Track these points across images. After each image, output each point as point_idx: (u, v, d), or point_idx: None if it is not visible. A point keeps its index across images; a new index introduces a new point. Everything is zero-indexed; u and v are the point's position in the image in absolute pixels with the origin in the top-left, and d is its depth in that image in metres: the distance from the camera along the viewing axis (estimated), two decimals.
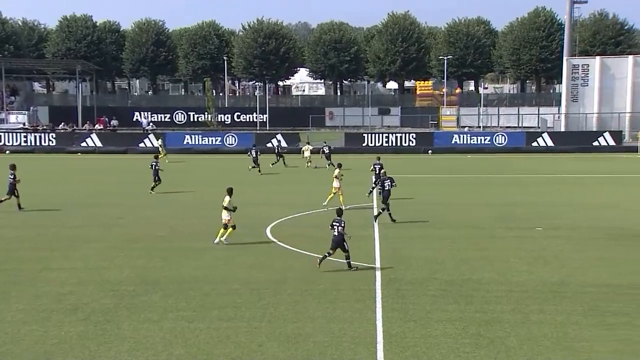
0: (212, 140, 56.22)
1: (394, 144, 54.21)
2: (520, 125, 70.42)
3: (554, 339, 13.66)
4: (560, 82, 69.98)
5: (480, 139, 54.14)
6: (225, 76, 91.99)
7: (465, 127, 70.92)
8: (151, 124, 74.56)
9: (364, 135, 55.95)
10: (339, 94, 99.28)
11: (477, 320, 14.78)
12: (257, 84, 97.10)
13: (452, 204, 29.52)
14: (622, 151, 50.86)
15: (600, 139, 52.15)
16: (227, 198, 21.97)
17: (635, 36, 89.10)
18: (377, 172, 30.40)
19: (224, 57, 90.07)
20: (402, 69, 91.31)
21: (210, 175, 40.84)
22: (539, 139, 53.10)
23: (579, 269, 18.82)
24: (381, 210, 25.10)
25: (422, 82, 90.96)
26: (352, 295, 16.65)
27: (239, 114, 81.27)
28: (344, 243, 18.94)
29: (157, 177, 32.61)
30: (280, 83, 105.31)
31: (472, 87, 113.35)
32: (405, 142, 54.32)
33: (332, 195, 28.46)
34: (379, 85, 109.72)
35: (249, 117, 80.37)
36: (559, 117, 59.85)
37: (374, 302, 16.07)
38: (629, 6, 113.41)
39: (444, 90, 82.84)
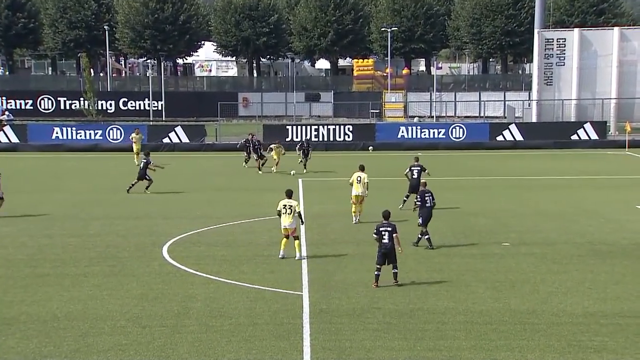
0: (90, 134, 55.21)
1: (325, 139, 54.52)
2: (482, 114, 72.08)
3: None
4: (531, 61, 71.97)
5: (434, 132, 55.11)
6: (107, 51, 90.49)
7: (415, 117, 72.07)
8: (7, 113, 72.57)
9: (287, 127, 56.02)
10: (255, 75, 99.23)
11: None
12: (149, 61, 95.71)
13: (396, 214, 29.88)
14: (606, 146, 52.74)
15: (580, 132, 53.91)
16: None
17: (622, 3, 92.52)
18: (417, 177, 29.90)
19: (105, 27, 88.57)
20: (335, 43, 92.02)
21: (89, 180, 40.09)
22: (505, 132, 54.45)
23: (555, 294, 19.40)
24: (420, 235, 24.45)
25: (361, 60, 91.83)
26: (273, 331, 16.67)
27: (126, 100, 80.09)
28: (395, 253, 19.75)
29: (147, 176, 35.21)
30: (180, 61, 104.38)
31: (423, 68, 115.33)
32: (339, 136, 54.72)
33: (356, 208, 27.94)
34: (307, 64, 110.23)
35: (140, 105, 79.31)
36: (529, 105, 61.55)
37: (300, 340, 16.13)
38: None
39: (389, 71, 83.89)
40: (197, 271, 21.47)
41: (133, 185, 35.13)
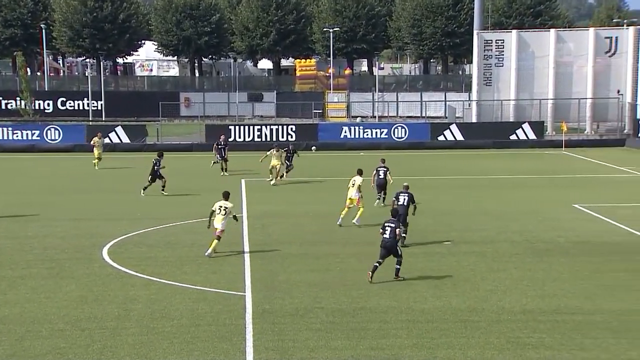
0: (27, 134, 54.20)
1: (268, 139, 54.42)
2: (423, 115, 72.72)
3: None
4: (471, 62, 72.82)
5: (376, 132, 55.42)
6: (44, 50, 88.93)
7: (358, 117, 72.36)
8: None
9: (230, 127, 55.79)
10: (197, 75, 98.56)
11: (373, 359, 15.12)
12: (88, 61, 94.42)
13: (337, 214, 29.99)
14: (544, 146, 53.66)
15: (519, 132, 54.75)
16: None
17: (558, 5, 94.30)
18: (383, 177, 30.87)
19: (42, 25, 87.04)
20: (278, 43, 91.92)
21: (26, 181, 39.37)
22: (446, 132, 55.02)
23: (495, 292, 19.69)
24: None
25: (303, 60, 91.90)
26: (216, 332, 16.60)
27: (64, 99, 78.87)
28: (397, 248, 20.38)
29: (160, 176, 34.39)
30: (120, 60, 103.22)
31: (365, 68, 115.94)
32: (282, 136, 54.65)
33: (346, 210, 27.79)
34: (249, 64, 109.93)
35: (78, 104, 78.17)
36: (469, 105, 62.29)
37: (243, 341, 16.10)
38: None
39: (331, 71, 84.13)
40: (138, 273, 21.27)
41: (147, 187, 34.29)
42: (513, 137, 54.59)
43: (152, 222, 28.12)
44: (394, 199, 22.70)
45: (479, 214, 29.90)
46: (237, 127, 55.46)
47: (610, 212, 29.82)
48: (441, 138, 54.77)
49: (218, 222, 22.95)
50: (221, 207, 23.11)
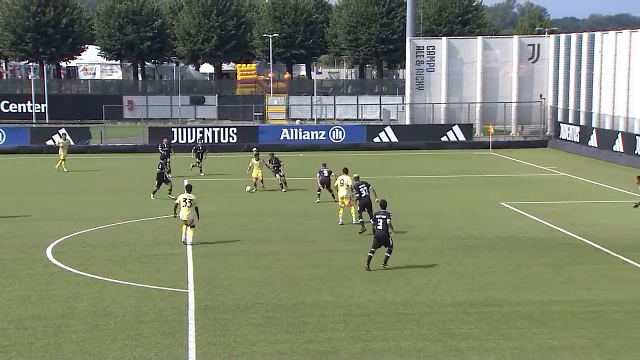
0: None
1: (210, 140, 54.10)
2: (359, 117, 73.06)
3: None
4: (404, 67, 73.46)
5: (314, 134, 55.53)
6: None
7: (297, 119, 72.38)
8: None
9: (172, 129, 55.34)
10: (140, 78, 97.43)
11: (311, 352, 15.17)
12: (31, 64, 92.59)
13: (280, 213, 30.04)
14: (473, 147, 54.42)
15: (449, 133, 55.42)
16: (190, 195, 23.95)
17: (485, 14, 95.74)
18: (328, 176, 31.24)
19: None
20: (219, 48, 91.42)
21: None
22: (381, 134, 55.42)
23: (427, 286, 19.91)
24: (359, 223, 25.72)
25: (244, 65, 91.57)
26: (159, 328, 16.46)
27: (7, 102, 77.23)
28: (389, 238, 20.79)
29: (166, 180, 32.67)
30: (63, 64, 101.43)
31: (303, 72, 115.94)
32: (224, 138, 54.42)
33: (342, 210, 27.54)
34: (191, 68, 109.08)
35: (21, 107, 76.59)
36: (403, 108, 62.79)
37: (185, 336, 15.99)
38: None
39: (271, 75, 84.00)
40: (82, 272, 20.95)
41: (156, 191, 32.69)
42: (444, 138, 55.23)
43: (95, 222, 27.72)
44: (372, 221, 22.01)
45: (413, 212, 30.16)
46: (179, 130, 55.10)
47: (533, 209, 30.42)
48: (376, 140, 55.14)
49: (184, 214, 23.81)
50: (185, 199, 23.88)
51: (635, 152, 44.26)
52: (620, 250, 23.47)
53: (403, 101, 64.38)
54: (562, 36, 57.28)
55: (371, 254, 21.08)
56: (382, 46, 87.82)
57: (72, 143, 45.36)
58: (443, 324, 16.86)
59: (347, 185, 27.30)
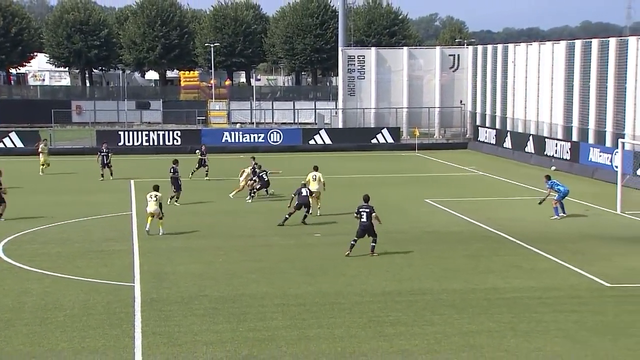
0: None
1: (155, 143, 53.48)
2: (296, 121, 73.10)
3: (332, 355, 14.42)
4: (337, 75, 73.74)
5: (254, 137, 55.32)
6: None
7: (237, 123, 72.06)
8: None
9: (119, 133, 54.55)
10: (88, 84, 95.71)
11: (251, 340, 15.14)
12: None
13: (222, 211, 29.87)
14: (400, 149, 54.91)
15: (379, 136, 55.84)
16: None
17: (410, 26, 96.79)
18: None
19: None
20: (163, 56, 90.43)
21: None
22: (316, 137, 55.51)
23: (359, 277, 20.04)
24: (287, 216, 26.28)
25: (187, 72, 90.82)
26: (106, 320, 16.22)
27: None
28: (373, 229, 21.45)
29: (178, 186, 30.69)
30: (13, 71, 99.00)
31: (243, 79, 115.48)
32: (169, 141, 53.86)
33: (314, 202, 27.92)
34: (137, 75, 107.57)
35: None
36: (336, 113, 63.07)
37: (132, 327, 15.79)
38: None
39: (213, 82, 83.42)
40: (33, 267, 20.51)
41: (174, 197, 30.69)
42: (374, 141, 55.62)
43: (45, 220, 27.15)
44: (356, 214, 22.02)
45: (345, 208, 30.24)
46: (126, 133, 54.35)
47: (455, 205, 30.88)
48: (312, 142, 55.22)
49: (151, 207, 24.66)
50: (152, 195, 24.74)
51: (545, 153, 45.34)
52: (532, 242, 24.01)
53: (336, 106, 64.68)
54: (480, 47, 58.31)
55: (354, 243, 21.82)
56: (317, 55, 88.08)
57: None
58: (373, 312, 16.99)
59: (320, 180, 28.46)
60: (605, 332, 15.76)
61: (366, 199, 22.29)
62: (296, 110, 74.49)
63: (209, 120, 73.50)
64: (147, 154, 51.24)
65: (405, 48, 61.84)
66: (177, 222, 27.01)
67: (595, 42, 42.91)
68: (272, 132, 55.82)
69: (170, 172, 30.90)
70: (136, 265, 20.94)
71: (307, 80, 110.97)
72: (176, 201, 30.63)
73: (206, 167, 38.63)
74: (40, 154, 41.69)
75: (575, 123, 44.45)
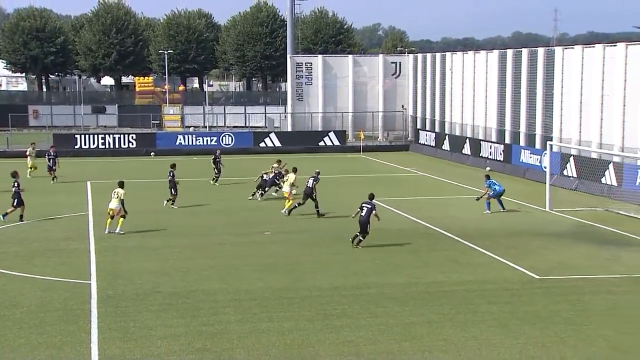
0: None
1: (111, 146, 52.70)
2: (247, 125, 72.83)
3: (281, 347, 14.39)
4: (286, 81, 73.75)
5: (207, 140, 54.92)
6: None
7: (191, 127, 71.43)
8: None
9: (76, 136, 53.59)
10: (45, 89, 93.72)
11: (204, 334, 15.01)
12: None
13: (174, 210, 29.55)
14: (346, 151, 55.13)
15: (326, 139, 55.99)
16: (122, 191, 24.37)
17: (354, 35, 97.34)
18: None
19: None
20: (118, 63, 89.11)
21: None
22: (267, 139, 55.39)
23: (308, 273, 20.04)
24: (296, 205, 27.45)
25: (142, 78, 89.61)
26: (63, 316, 15.91)
27: None
28: (368, 225, 22.18)
29: (174, 189, 29.75)
30: None
31: (196, 85, 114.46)
32: (124, 144, 53.10)
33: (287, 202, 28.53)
34: (93, 80, 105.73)
35: None
36: (285, 117, 63.03)
37: (88, 323, 15.52)
38: (346, 5, 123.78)
39: (167, 87, 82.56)
40: None
41: (170, 200, 29.99)
42: (321, 143, 55.73)
43: (4, 221, 26.42)
44: (359, 209, 22.68)
45: (297, 209, 30.21)
46: (82, 136, 53.47)
47: (398, 204, 31.11)
48: (262, 144, 55.09)
49: (113, 204, 24.34)
50: (115, 192, 24.44)
51: (480, 154, 46.03)
52: (469, 239, 24.34)
53: (285, 110, 64.63)
54: (419, 55, 58.94)
55: (357, 234, 22.65)
56: (266, 62, 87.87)
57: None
58: (321, 306, 17.01)
59: (290, 183, 28.88)
60: (535, 320, 16.07)
61: (371, 197, 23.19)
62: (247, 114, 74.13)
63: (163, 124, 72.74)
64: (104, 156, 50.45)
65: (350, 56, 62.16)
66: (135, 222, 26.63)
67: (525, 52, 43.80)
68: (224, 135, 55.50)
69: (169, 175, 30.21)
70: (93, 263, 20.58)
71: (258, 86, 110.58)
72: (172, 204, 29.98)
73: (217, 173, 37.22)
74: (28, 157, 40.82)
75: (507, 127, 45.29)
